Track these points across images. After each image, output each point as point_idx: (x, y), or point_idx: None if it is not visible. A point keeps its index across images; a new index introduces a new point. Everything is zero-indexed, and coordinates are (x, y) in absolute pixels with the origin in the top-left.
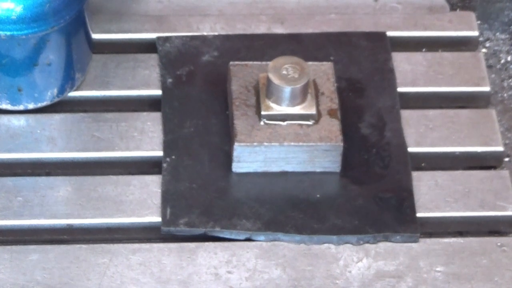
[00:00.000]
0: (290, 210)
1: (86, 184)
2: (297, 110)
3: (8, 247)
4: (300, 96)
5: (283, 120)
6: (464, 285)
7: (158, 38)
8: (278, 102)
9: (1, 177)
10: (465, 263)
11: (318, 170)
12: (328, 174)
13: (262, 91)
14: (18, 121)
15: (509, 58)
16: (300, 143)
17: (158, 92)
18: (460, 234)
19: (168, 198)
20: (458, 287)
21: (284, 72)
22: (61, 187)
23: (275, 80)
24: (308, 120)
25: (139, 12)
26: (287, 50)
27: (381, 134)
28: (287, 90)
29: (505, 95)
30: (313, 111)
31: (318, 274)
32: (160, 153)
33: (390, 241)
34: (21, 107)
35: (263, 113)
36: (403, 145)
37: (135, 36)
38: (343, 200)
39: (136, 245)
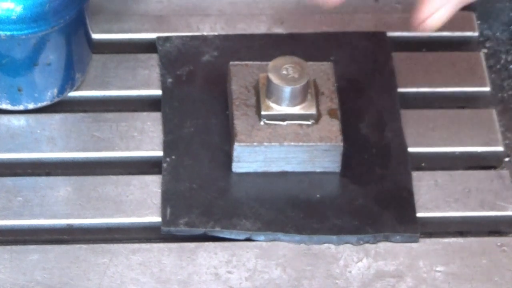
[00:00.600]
0: (290, 210)
1: (86, 184)
2: (297, 110)
3: (8, 247)
4: (300, 96)
5: (283, 120)
6: (464, 285)
7: (158, 38)
8: (278, 102)
9: (1, 177)
10: (465, 263)
11: (318, 170)
12: (328, 174)
13: (262, 91)
14: (18, 121)
15: (509, 58)
16: (300, 143)
17: (158, 92)
18: (460, 234)
19: (168, 198)
20: (458, 287)
21: (284, 72)
22: (61, 187)
23: (275, 80)
24: (308, 120)
25: (139, 12)
26: (287, 50)
27: (381, 134)
28: (287, 90)
29: (505, 95)
30: (313, 111)
31: (318, 274)
32: (160, 153)
33: (390, 241)
34: (21, 107)
35: (263, 113)
36: (403, 145)
37: (135, 36)
38: (343, 200)
39: (136, 245)
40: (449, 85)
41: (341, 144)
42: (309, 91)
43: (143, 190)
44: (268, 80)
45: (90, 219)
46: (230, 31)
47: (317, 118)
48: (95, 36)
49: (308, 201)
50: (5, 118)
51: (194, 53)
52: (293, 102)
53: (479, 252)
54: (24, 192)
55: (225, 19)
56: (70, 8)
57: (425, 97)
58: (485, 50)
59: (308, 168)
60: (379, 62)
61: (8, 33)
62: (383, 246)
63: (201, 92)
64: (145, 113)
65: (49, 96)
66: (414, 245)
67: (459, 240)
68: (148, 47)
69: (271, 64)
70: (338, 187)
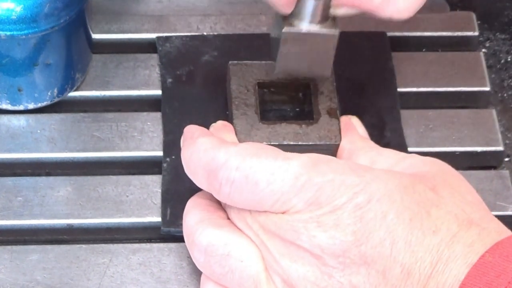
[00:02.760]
0: None
1: (86, 184)
2: (319, 28)
3: (8, 247)
4: (323, 13)
5: (303, 41)
6: None
7: (158, 38)
8: (300, 18)
9: (1, 177)
10: None
11: None
12: None
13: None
14: (18, 121)
15: (509, 58)
16: (300, 142)
17: (158, 92)
18: None
19: (168, 198)
20: None
21: None
22: (61, 187)
23: None
24: (328, 42)
25: (139, 12)
26: None
27: (381, 134)
28: (310, 3)
29: (505, 95)
30: (335, 32)
31: None
32: (160, 153)
33: None
34: (21, 107)
35: (284, 30)
36: (403, 145)
37: (135, 36)
38: None
39: (136, 245)
40: (449, 85)
41: (341, 143)
42: (330, 9)
43: (143, 190)
44: None
45: (90, 219)
46: (230, 31)
47: (316, 117)
48: (95, 36)
49: None
50: (5, 118)
51: (194, 53)
52: (316, 19)
53: None
54: (24, 192)
55: (225, 19)
56: (70, 8)
57: (425, 97)
58: (485, 50)
59: None
60: (379, 62)
61: (8, 33)
62: None
63: (201, 92)
64: (145, 113)
65: (49, 96)
66: None
67: None
68: (148, 47)
69: None
70: None
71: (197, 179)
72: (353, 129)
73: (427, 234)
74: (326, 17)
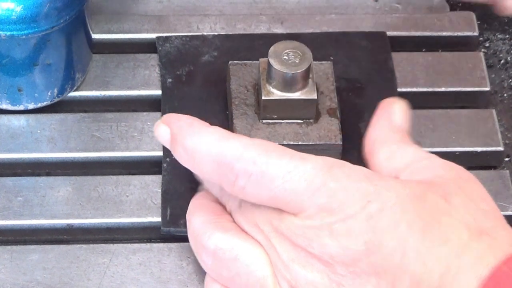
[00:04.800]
0: None
1: (86, 184)
2: (298, 95)
3: (8, 247)
4: (301, 82)
5: (284, 105)
6: None
7: (158, 38)
8: (278, 87)
9: (1, 177)
10: None
11: None
12: None
13: (263, 76)
14: (18, 121)
15: (509, 58)
16: (300, 142)
17: (158, 92)
18: None
19: (168, 198)
20: None
21: (285, 57)
22: (61, 187)
23: (275, 65)
24: (308, 106)
25: (139, 12)
26: None
27: None
28: (288, 75)
29: (505, 95)
30: (314, 96)
31: None
32: (160, 153)
33: None
34: (21, 107)
35: (263, 98)
36: None
37: (135, 36)
38: None
39: (136, 245)
40: (449, 85)
41: (341, 143)
42: (310, 76)
43: (143, 190)
44: (269, 65)
45: (90, 219)
46: (230, 31)
47: (316, 117)
48: (95, 36)
49: None
50: (5, 118)
51: (194, 53)
52: (294, 87)
53: None
54: (24, 192)
55: (225, 19)
56: (70, 8)
57: (425, 97)
58: (485, 50)
59: None
60: (379, 62)
61: (8, 33)
62: None
63: (200, 92)
64: (145, 113)
65: (49, 96)
66: None
67: None
68: (148, 47)
69: (271, 49)
70: None
71: (202, 170)
72: (385, 118)
73: (437, 244)
74: (305, 84)
